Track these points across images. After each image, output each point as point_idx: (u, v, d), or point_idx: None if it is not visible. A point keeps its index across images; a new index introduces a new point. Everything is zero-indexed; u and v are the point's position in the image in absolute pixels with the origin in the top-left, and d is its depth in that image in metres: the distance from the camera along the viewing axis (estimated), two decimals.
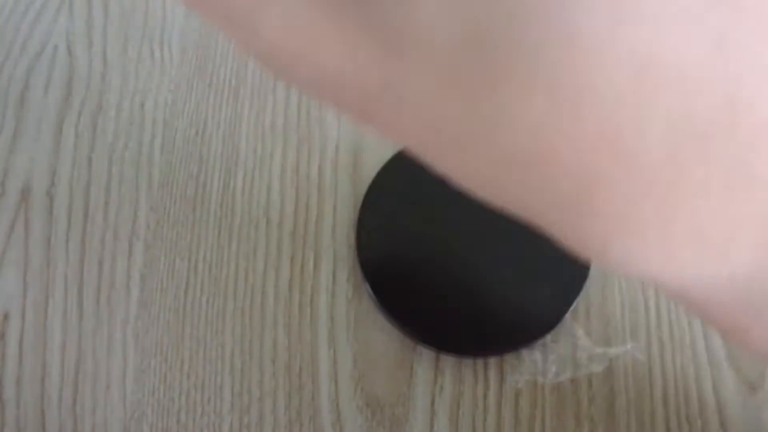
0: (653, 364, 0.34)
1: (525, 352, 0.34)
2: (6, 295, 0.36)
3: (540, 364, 0.34)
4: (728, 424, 0.33)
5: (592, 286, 0.36)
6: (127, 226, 0.38)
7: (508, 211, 0.15)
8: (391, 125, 0.15)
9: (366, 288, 0.35)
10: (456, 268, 0.35)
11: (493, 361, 0.34)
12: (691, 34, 0.12)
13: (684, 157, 0.13)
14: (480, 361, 0.35)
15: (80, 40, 0.43)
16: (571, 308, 0.34)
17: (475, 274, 0.35)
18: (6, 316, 0.36)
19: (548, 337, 0.34)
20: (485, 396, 0.34)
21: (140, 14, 0.43)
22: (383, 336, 0.35)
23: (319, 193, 0.38)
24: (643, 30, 0.12)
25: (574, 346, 0.34)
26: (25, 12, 0.43)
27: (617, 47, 0.12)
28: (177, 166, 0.39)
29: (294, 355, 0.35)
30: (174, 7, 0.43)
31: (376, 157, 0.39)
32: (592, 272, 0.36)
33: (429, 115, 0.14)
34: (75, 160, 0.39)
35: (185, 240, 0.37)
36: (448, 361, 0.35)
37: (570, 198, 0.14)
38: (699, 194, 0.13)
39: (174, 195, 0.38)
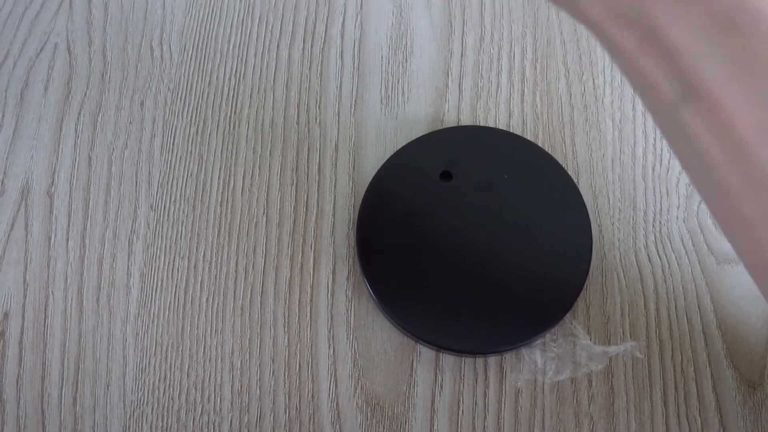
0: (653, 363, 0.34)
1: (525, 351, 0.34)
2: (6, 294, 0.36)
3: (540, 363, 0.34)
4: (728, 424, 0.33)
5: (592, 286, 0.36)
6: (127, 225, 0.38)
7: None
8: None
9: (365, 287, 0.35)
10: (456, 267, 0.35)
11: (493, 359, 0.34)
12: None
13: None
14: (480, 360, 0.35)
15: (80, 39, 0.43)
16: (571, 308, 0.34)
17: (475, 273, 0.35)
18: (6, 315, 0.36)
19: (548, 336, 0.34)
20: (485, 395, 0.34)
21: (140, 13, 0.43)
22: (383, 335, 0.35)
23: (318, 192, 0.38)
24: None
25: (573, 345, 0.34)
26: (25, 11, 0.43)
27: None
28: (176, 165, 0.39)
29: (293, 354, 0.35)
30: (174, 6, 0.43)
31: (375, 157, 0.39)
32: (592, 272, 0.36)
33: None
34: (75, 159, 0.39)
35: (185, 239, 0.37)
36: (447, 359, 0.35)
37: None
38: None
39: (174, 194, 0.38)
